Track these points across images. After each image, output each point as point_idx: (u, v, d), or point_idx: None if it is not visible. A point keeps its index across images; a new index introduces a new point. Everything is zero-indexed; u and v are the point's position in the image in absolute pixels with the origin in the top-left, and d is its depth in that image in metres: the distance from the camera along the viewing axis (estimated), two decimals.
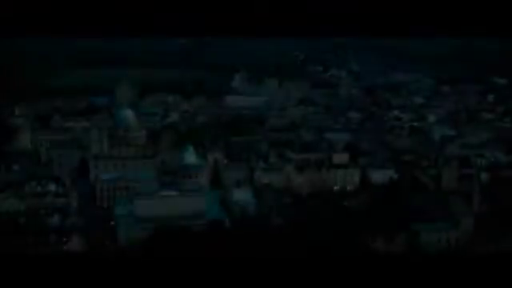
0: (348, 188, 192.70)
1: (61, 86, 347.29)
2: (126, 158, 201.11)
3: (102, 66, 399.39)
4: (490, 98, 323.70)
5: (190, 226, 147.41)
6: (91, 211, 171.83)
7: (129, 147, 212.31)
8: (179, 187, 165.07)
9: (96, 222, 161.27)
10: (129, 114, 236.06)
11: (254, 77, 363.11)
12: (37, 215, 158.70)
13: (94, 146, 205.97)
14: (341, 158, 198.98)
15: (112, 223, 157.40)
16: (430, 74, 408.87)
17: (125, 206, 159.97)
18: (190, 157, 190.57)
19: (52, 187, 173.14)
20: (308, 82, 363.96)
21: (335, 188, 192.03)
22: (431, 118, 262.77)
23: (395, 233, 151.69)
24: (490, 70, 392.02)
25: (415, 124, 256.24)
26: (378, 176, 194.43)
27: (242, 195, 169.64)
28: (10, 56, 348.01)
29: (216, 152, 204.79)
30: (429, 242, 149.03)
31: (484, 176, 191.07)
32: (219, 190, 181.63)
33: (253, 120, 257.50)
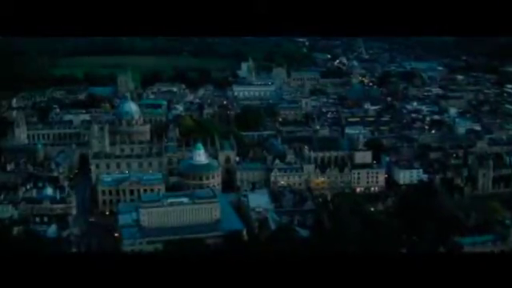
0: (372, 190, 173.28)
1: (59, 75, 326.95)
2: (130, 156, 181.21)
3: (103, 54, 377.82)
4: (508, 88, 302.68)
5: (204, 238, 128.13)
6: (92, 219, 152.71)
7: (132, 144, 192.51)
8: (191, 193, 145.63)
9: (97, 232, 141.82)
10: (131, 106, 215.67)
11: (261, 66, 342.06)
12: (33, 224, 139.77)
13: (94, 142, 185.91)
14: (364, 156, 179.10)
15: (116, 235, 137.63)
16: (441, 62, 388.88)
17: (129, 214, 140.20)
18: (201, 156, 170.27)
19: (49, 191, 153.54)
20: (317, 70, 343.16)
21: (358, 190, 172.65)
22: (452, 111, 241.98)
23: (434, 246, 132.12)
24: (502, 59, 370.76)
25: (437, 117, 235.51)
26: (406, 177, 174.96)
27: (259, 200, 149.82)
28: (6, 45, 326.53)
29: (227, 149, 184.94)
30: None
31: None
32: (232, 194, 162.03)
33: (263, 112, 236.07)
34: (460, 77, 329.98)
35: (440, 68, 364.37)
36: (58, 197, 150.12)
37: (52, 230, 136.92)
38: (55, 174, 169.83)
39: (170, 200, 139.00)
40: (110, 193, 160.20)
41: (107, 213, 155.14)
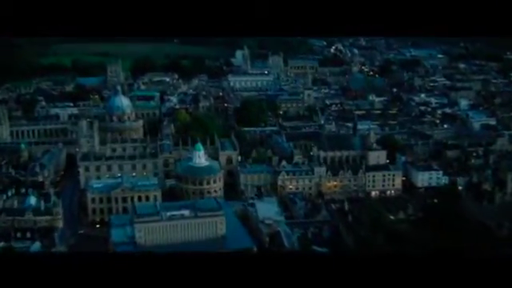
0: (388, 193, 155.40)
1: (47, 64, 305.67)
2: (122, 157, 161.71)
3: (92, 41, 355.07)
4: None
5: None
6: (81, 231, 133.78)
7: (124, 143, 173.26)
8: (192, 203, 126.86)
9: (88, 248, 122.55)
10: (123, 100, 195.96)
11: (256, 54, 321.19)
12: (14, 240, 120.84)
13: (82, 142, 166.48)
14: (378, 156, 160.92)
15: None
16: (440, 48, 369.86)
17: (123, 229, 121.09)
18: (201, 157, 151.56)
19: (32, 200, 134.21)
20: (315, 58, 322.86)
21: (373, 194, 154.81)
22: (463, 103, 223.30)
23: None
24: (503, 45, 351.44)
25: (448, 110, 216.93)
26: (424, 179, 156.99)
27: (268, 210, 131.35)
28: None
29: (228, 149, 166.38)
30: None
31: None
32: (237, 202, 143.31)
33: (263, 105, 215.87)
34: (462, 65, 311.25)
35: (440, 56, 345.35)
36: (42, 207, 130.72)
37: (36, 247, 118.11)
38: (40, 178, 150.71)
39: (169, 213, 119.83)
40: (101, 200, 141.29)
41: (98, 225, 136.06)
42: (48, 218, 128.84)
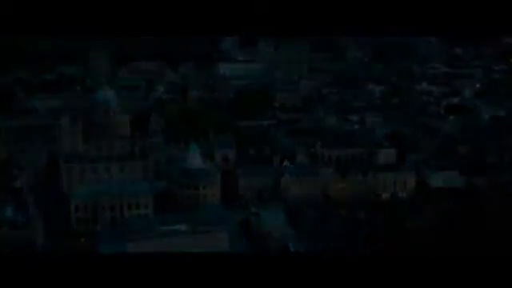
0: (400, 196, 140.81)
1: (26, 50, 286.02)
2: (110, 157, 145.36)
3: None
4: None
5: None
6: (64, 248, 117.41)
7: (111, 140, 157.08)
8: (190, 215, 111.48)
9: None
10: (108, 92, 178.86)
11: (245, 38, 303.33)
12: None
13: (65, 140, 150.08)
14: (388, 154, 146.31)
15: None
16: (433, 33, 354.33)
17: (112, 245, 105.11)
18: (196, 158, 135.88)
19: (9, 212, 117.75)
20: (307, 44, 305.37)
21: (384, 197, 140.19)
22: (467, 92, 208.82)
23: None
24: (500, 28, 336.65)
25: (452, 99, 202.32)
26: (439, 180, 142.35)
27: (273, 221, 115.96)
28: None
29: (224, 146, 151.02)
30: None
31: None
32: (238, 209, 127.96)
33: (259, 96, 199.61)
34: (459, 50, 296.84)
35: (432, 40, 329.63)
36: (20, 220, 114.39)
37: None
38: (17, 184, 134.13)
39: (164, 228, 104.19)
40: (86, 209, 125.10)
41: (82, 239, 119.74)
42: (26, 232, 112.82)
